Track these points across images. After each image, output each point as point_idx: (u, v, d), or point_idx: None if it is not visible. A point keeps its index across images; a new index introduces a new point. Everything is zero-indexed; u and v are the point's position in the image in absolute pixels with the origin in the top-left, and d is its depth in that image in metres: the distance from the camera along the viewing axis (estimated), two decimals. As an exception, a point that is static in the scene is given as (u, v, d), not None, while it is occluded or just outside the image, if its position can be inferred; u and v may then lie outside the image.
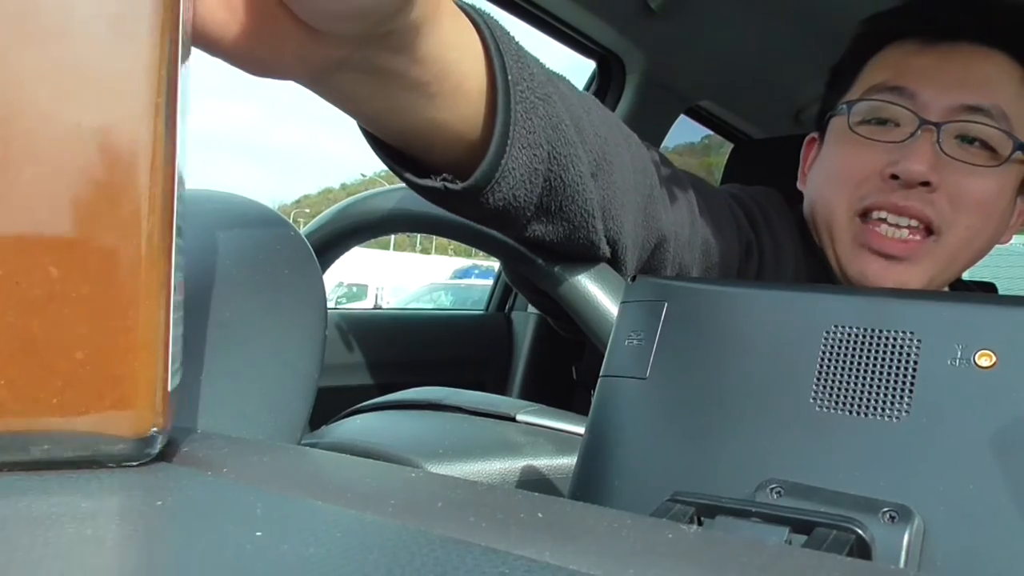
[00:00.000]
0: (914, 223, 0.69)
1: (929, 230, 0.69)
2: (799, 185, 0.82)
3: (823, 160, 0.78)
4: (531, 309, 1.46)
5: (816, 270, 0.76)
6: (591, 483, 0.32)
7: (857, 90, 0.75)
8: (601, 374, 0.34)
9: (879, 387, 0.28)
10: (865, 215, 0.71)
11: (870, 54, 0.76)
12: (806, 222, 0.79)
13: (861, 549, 0.25)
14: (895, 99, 0.71)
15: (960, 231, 0.70)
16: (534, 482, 0.50)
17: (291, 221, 0.44)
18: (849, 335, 0.29)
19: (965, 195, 0.69)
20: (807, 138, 0.83)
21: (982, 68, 0.71)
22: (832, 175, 0.75)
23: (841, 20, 0.89)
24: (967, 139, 0.69)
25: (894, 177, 0.68)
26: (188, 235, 0.27)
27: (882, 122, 0.72)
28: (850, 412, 0.28)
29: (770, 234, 0.75)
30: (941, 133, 0.68)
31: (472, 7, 0.44)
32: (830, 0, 1.18)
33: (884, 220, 0.70)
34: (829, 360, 0.29)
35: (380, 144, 0.46)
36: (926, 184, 0.68)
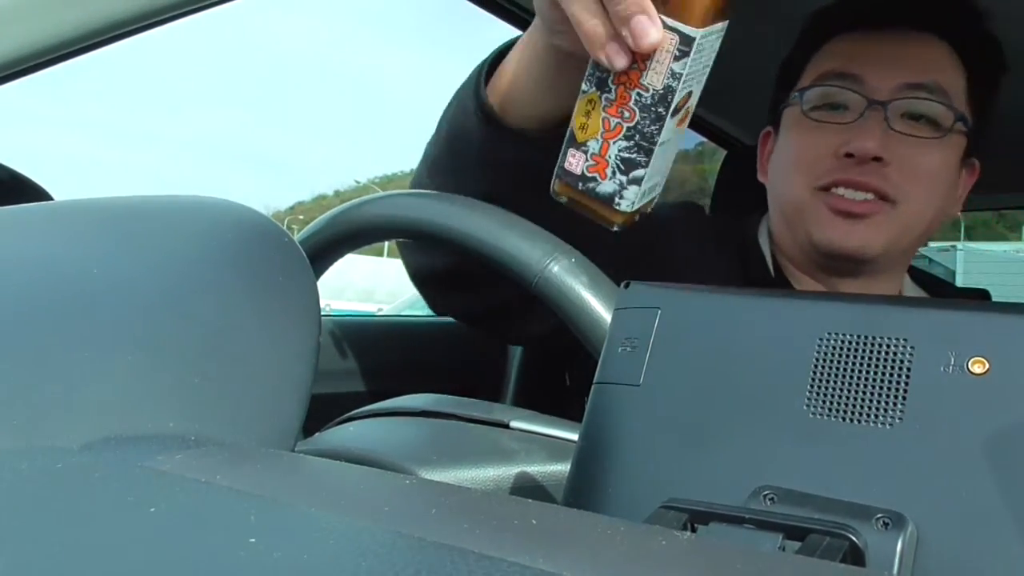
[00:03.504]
0: (871, 196, 0.75)
1: (885, 199, 0.75)
2: (760, 178, 0.88)
3: (780, 148, 0.83)
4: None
5: (734, 273, 0.83)
6: (585, 490, 0.32)
7: (807, 79, 0.81)
8: (594, 381, 0.34)
9: (872, 394, 0.28)
10: (827, 190, 0.76)
11: (817, 46, 0.82)
12: (726, 228, 0.87)
13: (854, 556, 0.25)
14: (844, 84, 0.77)
15: (913, 201, 0.76)
16: (528, 489, 0.50)
17: (285, 228, 0.44)
18: (842, 342, 0.29)
19: (915, 166, 0.75)
20: (762, 132, 0.89)
21: (920, 50, 0.78)
22: (791, 159, 0.81)
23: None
24: (913, 115, 0.76)
25: (849, 155, 0.74)
26: (180, 242, 0.27)
27: (833, 107, 0.77)
28: (843, 419, 0.28)
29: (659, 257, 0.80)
30: (888, 111, 0.74)
31: None
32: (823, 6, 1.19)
33: (843, 196, 0.76)
34: (822, 367, 0.29)
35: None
36: (878, 159, 0.74)
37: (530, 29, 0.58)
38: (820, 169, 0.77)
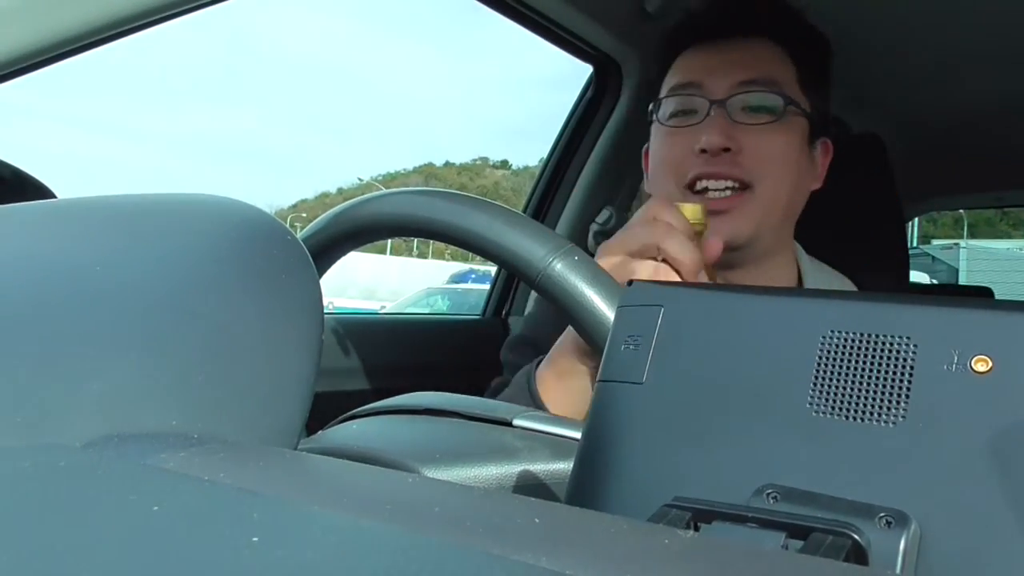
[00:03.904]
0: (730, 183, 0.86)
1: (744, 186, 0.86)
2: (647, 188, 0.98)
3: (651, 157, 0.95)
4: (527, 313, 1.46)
5: None
6: (587, 488, 0.32)
7: (662, 95, 0.94)
8: (598, 379, 0.34)
9: (875, 392, 0.28)
10: (692, 187, 0.87)
11: (668, 66, 0.95)
12: None
13: (857, 554, 0.25)
14: (689, 91, 0.90)
15: (767, 180, 0.87)
16: (531, 487, 0.50)
17: (288, 226, 0.44)
18: (845, 340, 0.29)
19: (760, 150, 0.86)
20: (643, 149, 1.00)
21: (751, 51, 0.90)
22: (659, 165, 0.93)
23: (833, 22, 0.92)
24: (752, 108, 0.87)
25: (703, 151, 0.86)
26: (182, 240, 0.27)
27: (685, 113, 0.90)
28: (846, 417, 0.28)
29: None
30: (728, 107, 0.87)
31: None
32: (823, 2, 1.19)
33: (707, 188, 0.87)
34: (825, 365, 0.29)
35: None
36: (727, 149, 0.85)
37: (577, 355, 0.67)
38: (683, 168, 0.88)
